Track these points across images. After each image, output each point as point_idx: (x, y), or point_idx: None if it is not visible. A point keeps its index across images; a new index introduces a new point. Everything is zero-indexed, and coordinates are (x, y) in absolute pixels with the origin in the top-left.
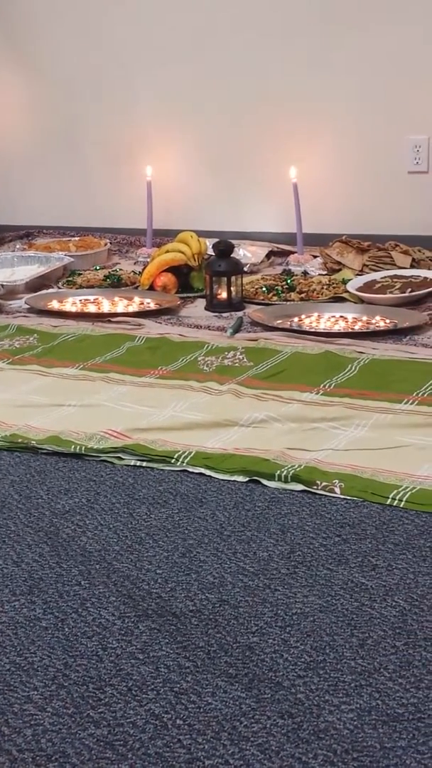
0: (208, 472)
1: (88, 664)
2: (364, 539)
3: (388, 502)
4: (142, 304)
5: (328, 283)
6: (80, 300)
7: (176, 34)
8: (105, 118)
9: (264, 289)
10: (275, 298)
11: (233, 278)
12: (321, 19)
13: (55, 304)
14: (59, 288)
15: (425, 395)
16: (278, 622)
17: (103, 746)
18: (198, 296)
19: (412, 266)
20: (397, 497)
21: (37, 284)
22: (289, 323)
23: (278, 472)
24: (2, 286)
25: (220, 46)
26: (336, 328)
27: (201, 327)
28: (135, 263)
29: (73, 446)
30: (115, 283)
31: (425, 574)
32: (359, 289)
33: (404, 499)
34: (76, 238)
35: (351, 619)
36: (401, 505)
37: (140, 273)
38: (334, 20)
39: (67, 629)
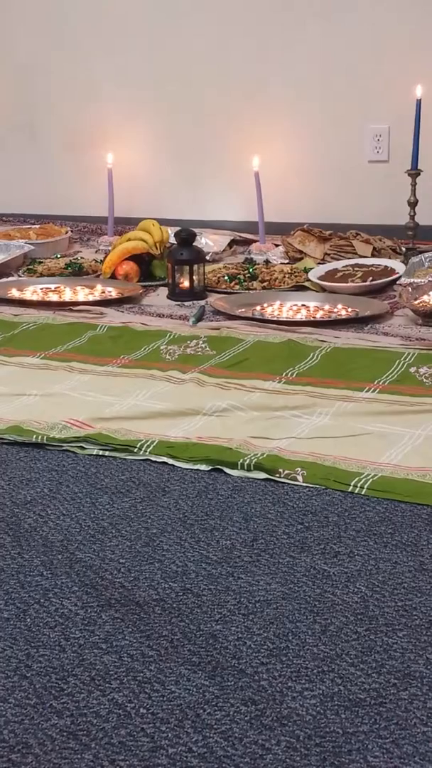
0: (170, 461)
1: (50, 655)
2: (326, 526)
3: (350, 489)
4: (104, 292)
5: (290, 271)
6: (41, 288)
7: (138, 21)
8: (66, 105)
9: (226, 277)
10: (237, 286)
11: (195, 267)
12: (283, 7)
13: (15, 293)
14: (19, 276)
15: (386, 383)
16: (241, 609)
17: (66, 736)
18: (160, 285)
19: (373, 255)
20: (359, 485)
21: None
22: (251, 312)
23: (241, 460)
24: None
25: (183, 34)
26: (298, 317)
27: (163, 316)
28: (96, 251)
29: (34, 436)
30: (76, 272)
31: (386, 561)
32: (321, 278)
33: (366, 486)
34: (37, 226)
35: (313, 605)
36: (363, 493)
37: (102, 261)
38: (295, 9)
39: (29, 620)
